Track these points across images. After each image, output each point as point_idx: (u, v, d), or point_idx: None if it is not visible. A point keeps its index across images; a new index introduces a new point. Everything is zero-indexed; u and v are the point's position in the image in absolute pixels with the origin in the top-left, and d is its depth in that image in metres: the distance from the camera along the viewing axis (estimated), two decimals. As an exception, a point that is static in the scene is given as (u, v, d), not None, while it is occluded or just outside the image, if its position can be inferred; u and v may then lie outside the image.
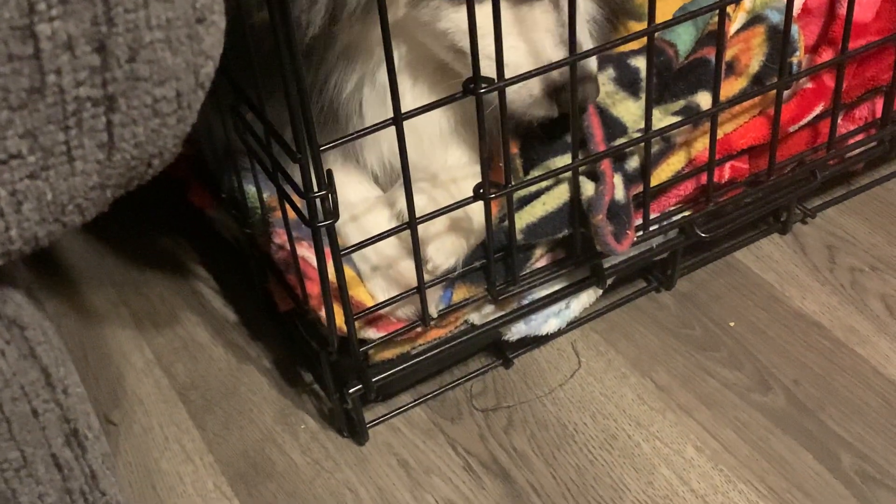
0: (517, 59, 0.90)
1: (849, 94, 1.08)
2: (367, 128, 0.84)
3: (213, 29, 0.52)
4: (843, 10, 1.01)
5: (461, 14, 0.88)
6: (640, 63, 1.02)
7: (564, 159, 0.97)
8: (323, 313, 0.92)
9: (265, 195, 1.01)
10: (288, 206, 0.91)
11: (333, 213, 0.84)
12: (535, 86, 0.91)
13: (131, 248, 1.26)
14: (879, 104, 1.10)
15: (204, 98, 0.54)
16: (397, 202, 1.01)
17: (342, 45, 0.95)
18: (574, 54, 0.87)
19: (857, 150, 1.11)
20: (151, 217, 1.27)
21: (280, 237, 0.98)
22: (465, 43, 0.88)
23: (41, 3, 0.44)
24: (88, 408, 0.58)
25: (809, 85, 1.06)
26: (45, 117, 0.47)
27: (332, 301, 0.90)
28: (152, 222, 1.27)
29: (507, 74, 0.85)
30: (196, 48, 0.50)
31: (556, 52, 0.90)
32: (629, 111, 1.01)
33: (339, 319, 0.92)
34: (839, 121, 1.07)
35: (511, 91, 0.89)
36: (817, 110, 1.06)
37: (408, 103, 0.84)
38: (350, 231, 1.01)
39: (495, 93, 0.85)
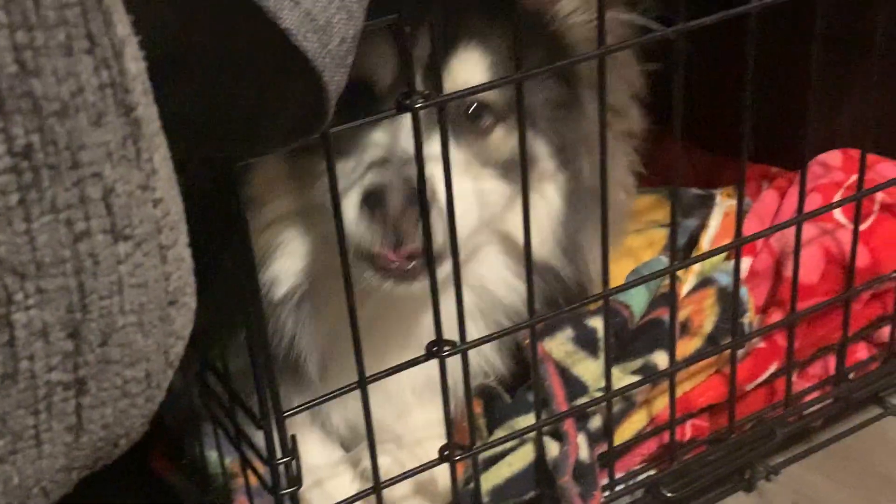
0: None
1: (801, 353, 1.11)
2: (330, 393, 0.85)
3: (185, 310, 0.53)
4: (788, 273, 1.05)
5: None
6: (597, 323, 1.05)
7: (528, 419, 0.98)
8: (285, 584, 0.89)
9: (227, 461, 1.00)
10: (250, 473, 0.90)
11: (297, 480, 0.84)
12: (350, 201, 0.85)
13: (88, 516, 1.22)
14: (832, 362, 1.13)
15: (172, 376, 0.55)
16: (362, 461, 1.01)
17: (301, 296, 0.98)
18: (534, 316, 0.89)
19: (815, 408, 1.13)
20: (111, 484, 1.24)
21: (242, 505, 0.96)
22: None
23: (18, 294, 0.45)
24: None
25: (762, 344, 1.09)
26: (15, 402, 0.47)
27: (295, 572, 0.88)
28: (111, 489, 1.24)
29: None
30: (167, 329, 0.52)
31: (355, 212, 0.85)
32: (589, 370, 1.02)
33: (302, 591, 0.89)
34: (794, 378, 1.10)
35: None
36: (771, 369, 1.09)
37: (371, 364, 0.85)
38: (313, 496, 0.99)
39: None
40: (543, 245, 0.99)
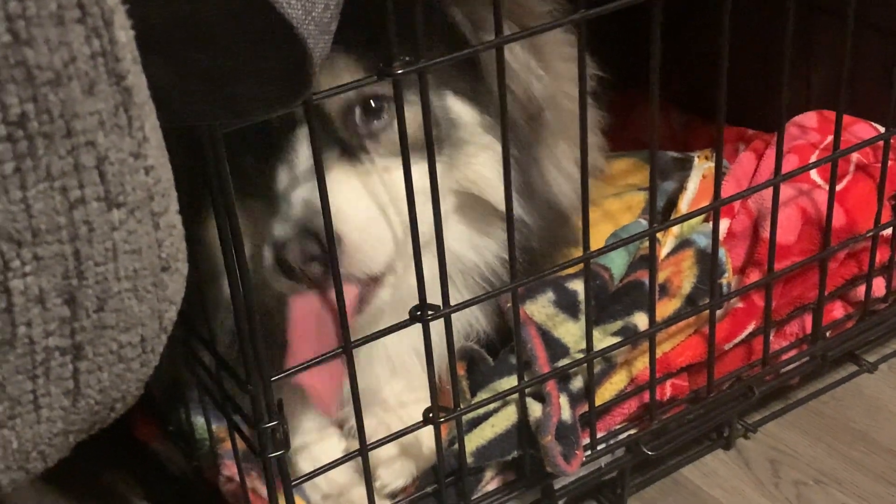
0: None
1: (778, 313, 1.12)
2: (316, 358, 0.86)
3: (177, 276, 0.54)
4: (766, 234, 1.06)
5: None
6: (577, 286, 1.06)
7: (510, 381, 0.99)
8: (273, 547, 0.90)
9: (213, 426, 1.01)
10: (238, 438, 0.91)
11: (284, 444, 0.85)
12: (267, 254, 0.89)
13: (74, 486, 1.23)
14: (809, 321, 1.14)
15: (166, 341, 0.56)
16: (348, 420, 1.02)
17: None
18: (515, 280, 0.90)
19: (792, 366, 1.15)
20: (94, 452, 1.25)
21: (229, 469, 0.97)
22: None
23: (15, 261, 0.46)
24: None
25: (740, 304, 1.10)
26: (13, 368, 0.48)
27: (283, 534, 0.89)
28: (95, 457, 1.25)
29: None
30: (161, 295, 0.53)
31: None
32: (570, 332, 1.04)
33: (290, 553, 0.90)
34: (772, 337, 1.11)
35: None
36: (750, 328, 1.10)
37: (357, 330, 0.86)
38: (301, 459, 1.01)
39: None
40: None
